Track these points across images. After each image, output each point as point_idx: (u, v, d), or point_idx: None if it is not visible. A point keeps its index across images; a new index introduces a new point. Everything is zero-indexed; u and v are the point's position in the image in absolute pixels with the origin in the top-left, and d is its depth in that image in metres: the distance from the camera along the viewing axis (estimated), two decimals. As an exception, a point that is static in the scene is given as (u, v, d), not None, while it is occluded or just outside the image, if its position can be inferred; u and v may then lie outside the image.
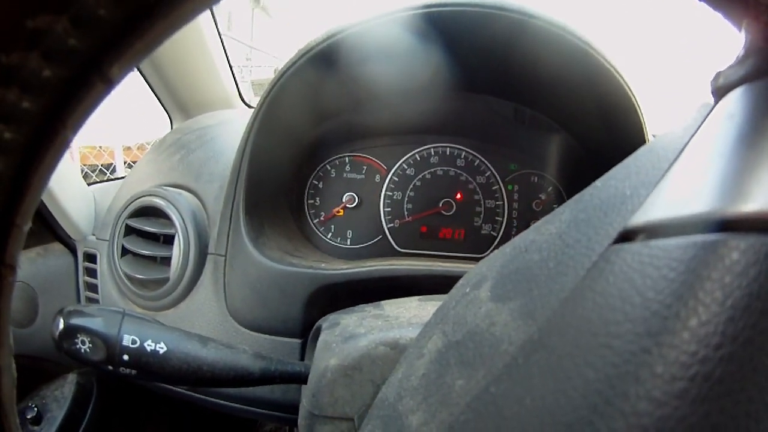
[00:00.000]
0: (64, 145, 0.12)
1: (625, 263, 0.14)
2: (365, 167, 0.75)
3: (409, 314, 0.38)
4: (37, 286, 0.67)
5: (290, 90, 0.57)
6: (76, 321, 0.30)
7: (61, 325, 0.30)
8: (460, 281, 0.24)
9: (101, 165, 1.95)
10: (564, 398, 0.12)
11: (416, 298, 0.44)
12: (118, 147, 1.93)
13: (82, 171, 1.95)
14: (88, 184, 0.85)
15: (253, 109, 0.57)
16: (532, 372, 0.14)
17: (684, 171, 0.15)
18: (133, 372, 0.31)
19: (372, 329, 0.34)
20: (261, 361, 0.36)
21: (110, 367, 0.31)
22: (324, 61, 0.55)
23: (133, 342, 0.31)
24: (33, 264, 0.67)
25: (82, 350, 0.30)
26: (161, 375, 0.32)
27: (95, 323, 0.30)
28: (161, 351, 0.31)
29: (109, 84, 0.12)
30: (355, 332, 0.34)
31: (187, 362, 0.32)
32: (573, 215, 0.19)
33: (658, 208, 0.15)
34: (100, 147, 1.98)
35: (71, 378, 0.64)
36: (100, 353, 0.30)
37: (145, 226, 0.59)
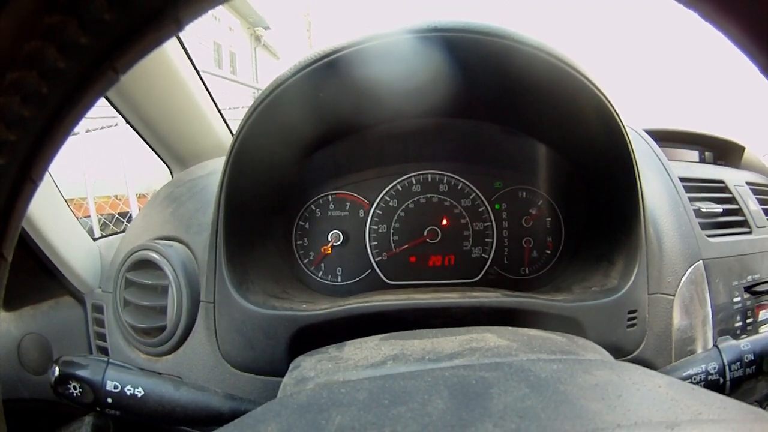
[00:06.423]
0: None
1: None
2: (348, 203, 0.83)
3: (361, 356, 0.44)
4: (50, 336, 0.78)
5: (262, 128, 0.61)
6: (67, 369, 0.39)
7: (56, 373, 0.39)
8: None
9: (117, 214, 2.16)
10: None
11: (378, 336, 0.50)
12: (132, 195, 2.12)
13: (99, 221, 2.15)
14: (105, 235, 0.98)
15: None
16: None
17: None
18: (117, 413, 0.39)
19: (320, 373, 0.41)
20: (231, 401, 0.43)
21: (98, 409, 0.39)
22: (296, 92, 0.58)
23: (115, 387, 0.39)
24: (46, 316, 0.79)
25: (74, 394, 0.39)
26: (141, 416, 0.40)
27: (83, 371, 0.39)
28: (139, 395, 0.39)
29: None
30: (307, 375, 0.41)
31: (162, 404, 0.40)
32: None
33: None
34: (115, 196, 2.20)
35: (88, 420, 0.73)
36: (88, 397, 0.39)
37: (142, 278, 0.69)
